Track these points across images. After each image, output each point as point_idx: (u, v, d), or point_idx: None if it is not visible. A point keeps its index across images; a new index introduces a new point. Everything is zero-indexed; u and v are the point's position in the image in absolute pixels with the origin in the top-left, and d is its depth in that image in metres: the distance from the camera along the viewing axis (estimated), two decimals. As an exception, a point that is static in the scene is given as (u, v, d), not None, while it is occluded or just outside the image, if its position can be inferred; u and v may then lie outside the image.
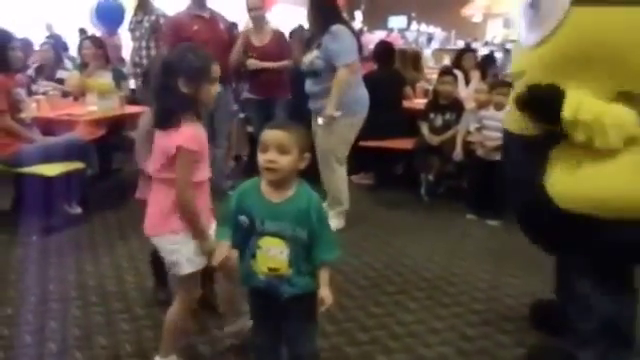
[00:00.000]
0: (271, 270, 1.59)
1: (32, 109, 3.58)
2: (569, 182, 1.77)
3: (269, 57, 4.17)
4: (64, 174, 3.37)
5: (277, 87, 4.25)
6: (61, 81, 4.74)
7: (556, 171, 1.80)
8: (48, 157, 3.35)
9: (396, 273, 3.00)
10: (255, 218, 1.58)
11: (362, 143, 4.46)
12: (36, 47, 5.61)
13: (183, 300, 1.91)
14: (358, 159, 4.86)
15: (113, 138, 4.34)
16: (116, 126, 4.26)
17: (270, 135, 1.54)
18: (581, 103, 1.66)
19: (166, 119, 1.79)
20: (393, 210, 4.08)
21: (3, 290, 2.65)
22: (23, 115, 3.37)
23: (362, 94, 3.54)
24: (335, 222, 3.54)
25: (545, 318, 2.38)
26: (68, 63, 5.23)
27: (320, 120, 3.45)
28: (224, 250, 1.61)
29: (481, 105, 4.00)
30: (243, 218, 1.58)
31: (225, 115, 4.13)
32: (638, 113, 1.67)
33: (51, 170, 3.30)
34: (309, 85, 3.55)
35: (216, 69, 1.84)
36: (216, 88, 1.85)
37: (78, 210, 3.65)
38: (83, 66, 4.35)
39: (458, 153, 4.04)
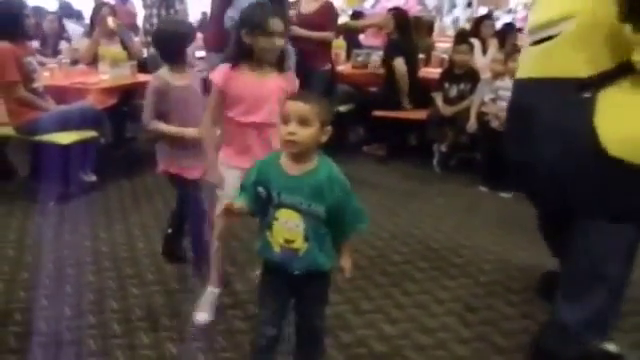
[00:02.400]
0: (287, 242, 1.58)
1: (44, 78, 3.59)
2: (619, 126, 1.73)
3: (311, 26, 4.08)
4: (78, 142, 3.42)
5: (314, 58, 4.12)
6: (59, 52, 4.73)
7: (605, 115, 1.75)
8: (62, 125, 3.39)
9: (403, 243, 3.01)
10: (272, 190, 1.56)
11: (375, 113, 4.46)
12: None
13: (216, 225, 2.17)
14: (371, 129, 4.86)
15: (126, 107, 4.37)
16: (128, 95, 4.28)
17: (292, 106, 1.52)
18: None
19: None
20: (404, 181, 4.07)
21: (20, 255, 2.73)
22: (36, 85, 3.39)
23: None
24: None
25: (553, 290, 2.38)
26: (76, 29, 5.21)
27: None
28: (234, 204, 1.62)
29: (497, 75, 3.92)
30: (261, 189, 1.59)
31: None
32: None
33: (65, 138, 3.35)
34: None
35: (274, 23, 1.94)
36: (274, 42, 1.95)
37: (93, 178, 3.70)
38: (92, 33, 4.36)
39: (472, 124, 3.99)
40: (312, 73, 4.18)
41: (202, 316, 2.17)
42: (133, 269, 2.62)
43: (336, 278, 1.70)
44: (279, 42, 1.97)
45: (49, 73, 3.93)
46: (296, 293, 1.67)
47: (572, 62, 1.84)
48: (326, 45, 4.23)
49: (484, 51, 4.91)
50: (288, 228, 1.57)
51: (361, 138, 5.03)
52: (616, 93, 1.75)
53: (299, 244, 1.57)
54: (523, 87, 2.09)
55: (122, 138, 4.66)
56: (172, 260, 2.66)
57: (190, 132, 2.32)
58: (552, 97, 1.92)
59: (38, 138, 3.40)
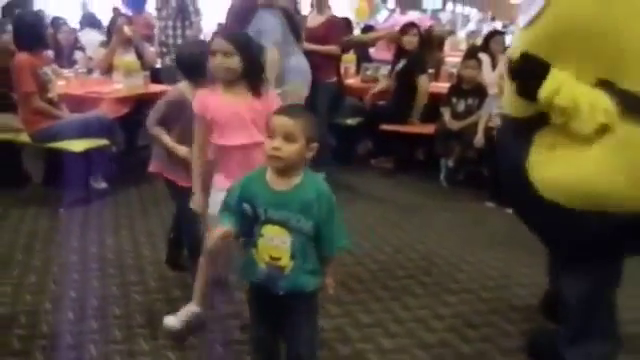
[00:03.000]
0: (272, 259, 1.55)
1: (60, 87, 3.67)
2: (546, 167, 1.78)
3: (316, 40, 4.15)
4: (90, 150, 3.50)
5: (319, 70, 4.15)
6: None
7: (537, 155, 1.80)
8: (76, 133, 3.47)
9: (406, 258, 3.01)
10: (258, 206, 1.55)
11: (383, 127, 4.49)
12: (73, 25, 5.73)
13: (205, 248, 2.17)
14: (378, 143, 4.88)
15: (138, 116, 4.45)
16: (141, 104, 4.35)
17: (277, 121, 1.51)
18: (562, 85, 1.66)
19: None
20: (410, 195, 4.08)
21: (29, 259, 2.79)
22: (50, 95, 3.47)
23: (297, 61, 3.70)
24: None
25: (554, 308, 2.37)
26: (93, 38, 5.31)
27: None
28: (220, 232, 1.57)
29: (503, 91, 3.92)
30: (246, 206, 1.57)
31: None
32: (617, 103, 1.63)
33: (78, 146, 3.43)
34: None
35: (216, 43, 2.00)
36: (215, 61, 1.97)
37: (103, 185, 3.77)
38: (109, 42, 4.47)
39: (479, 139, 3.99)
40: (318, 85, 4.25)
41: (171, 321, 2.15)
42: (137, 276, 2.66)
43: (327, 295, 1.68)
44: (221, 60, 1.95)
45: (65, 82, 4.03)
46: (282, 315, 1.63)
47: (513, 102, 1.89)
48: (331, 58, 4.28)
49: (494, 66, 4.91)
50: (274, 245, 1.54)
51: (369, 151, 5.05)
52: (550, 136, 1.78)
53: (285, 261, 1.54)
54: (500, 118, 2.21)
55: (134, 146, 4.74)
56: (175, 268, 2.69)
57: (183, 152, 2.32)
58: (505, 135, 2.04)
59: (52, 145, 3.48)
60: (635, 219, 1.67)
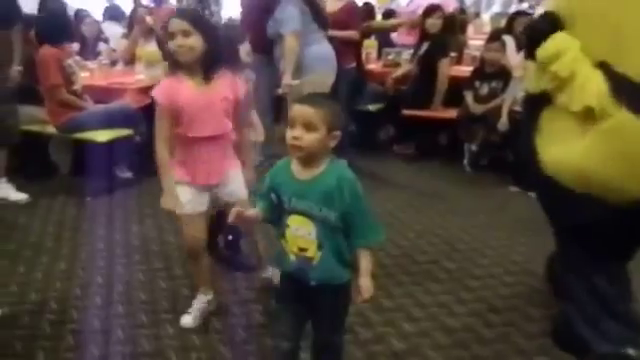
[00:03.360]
0: (301, 250, 1.54)
1: (85, 78, 3.73)
2: (549, 146, 1.76)
3: (335, 25, 4.09)
4: (114, 140, 3.56)
5: (338, 56, 4.10)
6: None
7: (544, 131, 1.78)
8: (101, 124, 3.53)
9: (429, 243, 3.00)
10: (283, 195, 1.54)
11: (405, 112, 4.44)
12: (97, 17, 5.80)
13: (184, 241, 2.17)
14: (400, 129, 4.84)
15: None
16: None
17: (297, 110, 1.48)
18: (564, 52, 1.62)
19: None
20: (433, 181, 4.04)
21: (58, 246, 2.87)
22: (75, 87, 3.54)
23: (320, 50, 3.60)
24: None
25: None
26: (116, 30, 5.37)
27: (280, 90, 3.55)
28: (248, 212, 1.60)
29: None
30: (273, 195, 1.57)
31: (261, 86, 4.11)
32: (612, 89, 1.58)
33: (103, 136, 3.50)
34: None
35: (171, 24, 1.91)
36: (175, 43, 1.90)
37: (128, 174, 3.85)
38: (130, 34, 4.52)
39: (504, 122, 3.93)
40: (337, 71, 4.21)
41: (187, 320, 2.17)
42: (162, 262, 2.71)
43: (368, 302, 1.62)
44: (182, 41, 1.89)
45: (89, 74, 4.10)
46: (312, 306, 1.62)
47: (529, 76, 1.89)
48: (350, 44, 4.22)
49: (519, 48, 4.80)
50: (300, 235, 1.53)
51: (391, 137, 5.01)
52: (554, 114, 1.74)
53: (312, 252, 1.53)
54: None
55: (157, 136, 4.80)
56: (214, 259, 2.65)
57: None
58: (522, 110, 2.07)
59: (77, 136, 3.55)
60: (630, 208, 1.62)
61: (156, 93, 1.96)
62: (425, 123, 4.45)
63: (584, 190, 1.68)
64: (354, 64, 4.30)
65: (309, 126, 1.46)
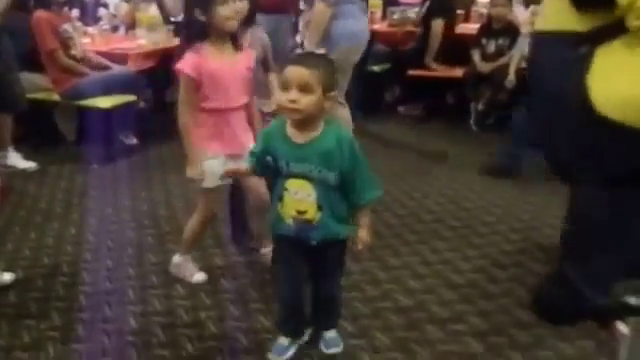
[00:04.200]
0: (300, 213, 1.54)
1: (82, 44, 3.68)
2: (610, 84, 1.66)
3: None
4: (118, 106, 3.55)
5: None
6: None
7: (599, 72, 1.68)
8: (103, 90, 3.52)
9: (435, 202, 3.00)
10: (279, 160, 1.53)
11: (411, 72, 4.38)
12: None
13: (200, 211, 2.15)
14: (406, 89, 4.78)
15: (165, 71, 4.46)
16: (166, 58, 4.36)
17: (291, 72, 1.44)
18: None
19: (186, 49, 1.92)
20: (439, 141, 4.02)
21: (68, 213, 2.91)
22: (73, 52, 3.51)
23: (349, 26, 3.22)
24: None
25: None
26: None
27: None
28: (243, 167, 1.64)
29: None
30: (269, 158, 1.56)
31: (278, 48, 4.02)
32: None
33: (106, 102, 3.49)
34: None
35: None
36: (230, 8, 1.85)
37: (134, 141, 3.85)
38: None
39: (511, 80, 3.88)
40: None
41: (199, 276, 2.23)
42: (171, 226, 2.74)
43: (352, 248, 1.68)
44: (240, 6, 1.87)
45: (90, 40, 4.06)
46: (312, 263, 1.64)
47: (569, 14, 1.74)
48: None
49: (526, 4, 4.68)
50: (299, 199, 1.53)
51: (397, 98, 4.96)
52: (613, 51, 1.65)
53: (312, 214, 1.53)
54: (532, 42, 2.02)
55: (162, 102, 4.78)
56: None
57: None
58: (549, 52, 1.85)
59: (80, 103, 3.55)
60: None
61: (184, 67, 1.89)
62: (431, 83, 4.39)
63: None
64: None
65: (305, 88, 1.43)
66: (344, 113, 3.42)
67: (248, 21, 2.21)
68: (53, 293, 2.18)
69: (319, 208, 1.52)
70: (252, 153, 1.66)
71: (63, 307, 2.08)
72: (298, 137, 1.51)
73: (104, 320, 2.01)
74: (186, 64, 1.89)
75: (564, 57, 1.79)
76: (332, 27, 3.18)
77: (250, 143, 2.09)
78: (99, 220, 2.81)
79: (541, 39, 1.94)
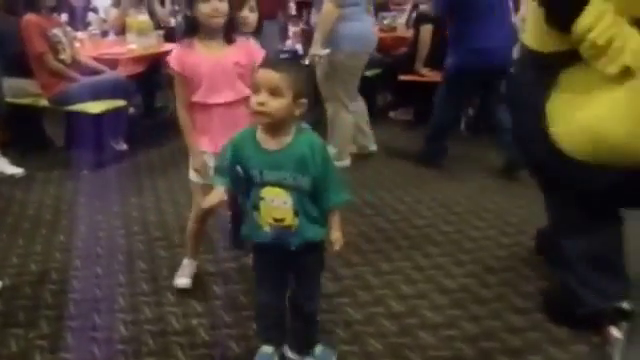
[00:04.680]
0: (277, 221, 1.52)
1: (72, 49, 3.65)
2: (565, 109, 1.71)
3: None
4: (108, 111, 3.53)
5: None
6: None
7: (558, 95, 1.73)
8: (93, 95, 3.49)
9: (427, 207, 3.01)
10: (252, 169, 1.50)
11: (401, 77, 4.39)
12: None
13: (193, 208, 2.19)
14: (397, 94, 4.80)
15: (155, 75, 4.45)
16: (156, 64, 4.35)
17: (262, 75, 1.43)
18: (599, 20, 1.56)
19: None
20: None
21: (57, 219, 2.88)
22: (62, 56, 3.48)
23: (346, 30, 3.24)
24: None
25: (548, 247, 2.35)
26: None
27: (306, 60, 3.33)
28: (218, 194, 1.56)
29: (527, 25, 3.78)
30: (239, 169, 1.52)
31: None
32: None
33: (95, 108, 3.46)
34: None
35: None
36: (211, 6, 1.85)
37: (124, 146, 3.83)
38: (119, 2, 4.43)
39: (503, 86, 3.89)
40: None
41: (183, 281, 2.21)
42: (161, 232, 2.72)
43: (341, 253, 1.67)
44: (220, 5, 1.86)
45: (79, 44, 4.03)
46: (292, 267, 1.64)
47: (539, 34, 1.78)
48: None
49: (516, 9, 4.72)
50: (276, 206, 1.51)
51: (388, 103, 4.97)
52: (574, 76, 1.69)
53: (290, 221, 1.52)
54: (520, 52, 2.10)
55: (152, 107, 4.76)
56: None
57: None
58: (524, 69, 1.92)
59: (70, 108, 3.52)
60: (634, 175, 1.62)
61: (170, 61, 1.95)
62: (422, 88, 4.40)
63: (597, 157, 1.66)
64: None
65: (274, 91, 1.42)
66: (347, 119, 3.45)
67: (257, 31, 2.26)
68: (41, 301, 2.15)
69: (296, 214, 1.52)
70: (219, 169, 1.60)
71: (52, 315, 2.05)
72: (270, 144, 1.50)
73: (93, 328, 1.98)
74: (172, 58, 1.95)
75: (532, 75, 1.84)
76: (336, 29, 3.21)
77: None
78: (88, 227, 2.78)
79: (521, 51, 2.00)
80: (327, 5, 3.14)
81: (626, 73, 1.58)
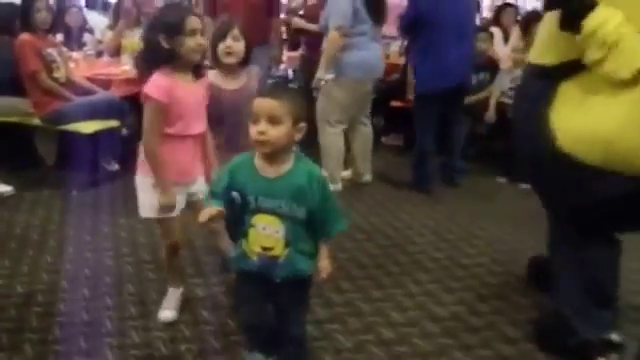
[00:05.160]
0: (265, 250, 1.50)
1: (67, 69, 3.66)
2: (569, 117, 1.73)
3: (311, 18, 4.08)
4: (101, 132, 3.52)
5: (314, 48, 4.15)
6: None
7: (561, 105, 1.76)
8: (87, 115, 3.48)
9: (417, 234, 3.02)
10: (248, 195, 1.48)
11: (393, 103, 4.45)
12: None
13: (164, 242, 2.15)
14: (389, 119, 4.85)
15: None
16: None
17: (260, 104, 1.42)
18: (609, 19, 1.59)
19: (146, 73, 1.90)
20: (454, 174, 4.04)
21: (44, 240, 2.84)
22: (56, 75, 3.48)
23: (357, 57, 3.36)
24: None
25: (541, 275, 2.36)
26: (101, 21, 5.30)
27: (313, 84, 3.44)
28: (213, 211, 1.50)
29: (517, 64, 3.86)
30: (235, 194, 1.50)
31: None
32: None
33: (88, 127, 3.45)
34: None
35: (192, 22, 1.84)
36: (196, 41, 1.85)
37: (115, 167, 3.81)
38: (115, 24, 4.46)
39: (491, 115, 3.97)
40: (312, 64, 4.20)
41: (166, 314, 2.15)
42: (150, 255, 2.69)
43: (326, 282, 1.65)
44: (203, 41, 1.88)
45: (74, 64, 4.03)
46: (275, 300, 1.60)
47: (543, 48, 1.86)
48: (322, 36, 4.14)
49: (506, 40, 4.83)
50: (267, 234, 1.49)
51: (380, 128, 5.01)
52: (576, 86, 1.74)
53: (279, 251, 1.49)
54: (525, 70, 2.15)
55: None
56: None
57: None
58: (527, 83, 1.97)
59: (62, 128, 3.50)
60: None
61: (153, 91, 1.84)
62: (411, 114, 4.44)
63: (604, 163, 1.67)
64: None
65: (274, 119, 1.41)
66: (339, 143, 3.53)
67: (245, 61, 2.26)
68: (26, 324, 2.10)
69: (286, 244, 1.49)
70: (214, 193, 1.56)
71: (36, 339, 2.01)
72: (268, 171, 1.48)
73: (79, 353, 1.94)
74: (156, 89, 1.84)
75: (534, 89, 1.88)
76: (341, 57, 3.34)
77: (200, 173, 2.08)
78: (76, 248, 2.74)
79: (525, 70, 2.05)
80: (332, 34, 3.25)
81: (633, 79, 1.60)
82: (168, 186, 1.93)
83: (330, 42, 3.27)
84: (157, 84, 1.85)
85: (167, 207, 1.94)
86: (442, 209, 3.37)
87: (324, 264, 1.57)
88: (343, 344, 2.02)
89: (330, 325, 2.12)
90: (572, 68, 1.73)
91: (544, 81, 1.83)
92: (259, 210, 1.48)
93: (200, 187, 2.07)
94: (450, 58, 3.34)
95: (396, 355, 1.96)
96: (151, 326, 2.11)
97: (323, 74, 3.34)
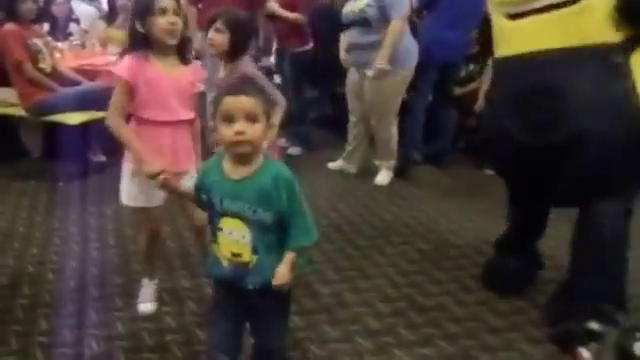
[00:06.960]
0: (234, 255, 1.41)
1: (53, 59, 3.62)
2: None
3: (286, 5, 4.07)
4: (87, 123, 3.49)
5: (286, 38, 4.13)
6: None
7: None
8: (72, 106, 3.45)
9: (405, 225, 3.03)
10: (214, 197, 1.41)
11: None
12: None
13: (144, 230, 2.14)
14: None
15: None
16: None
17: (234, 103, 1.32)
18: None
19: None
20: (409, 164, 4.06)
21: (30, 232, 2.82)
22: (42, 65, 3.44)
23: (412, 44, 3.47)
24: (385, 176, 3.64)
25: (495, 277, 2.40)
26: (87, 10, 5.23)
27: (370, 73, 3.40)
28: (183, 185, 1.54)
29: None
30: (204, 196, 1.44)
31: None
32: None
33: (74, 118, 3.42)
34: (355, 36, 3.46)
35: (161, 1, 1.81)
36: (170, 20, 1.82)
37: (102, 158, 3.79)
38: (111, 17, 4.41)
39: (480, 105, 3.96)
40: (283, 54, 4.19)
41: (146, 307, 2.15)
42: (136, 246, 2.67)
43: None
44: (176, 20, 1.83)
45: (59, 55, 3.99)
46: (251, 311, 1.49)
47: (601, 27, 1.81)
48: (298, 26, 4.07)
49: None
50: (234, 240, 1.40)
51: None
52: None
53: (247, 257, 1.40)
54: (543, 62, 1.92)
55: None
56: None
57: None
58: (584, 66, 1.85)
59: (47, 119, 3.47)
60: None
61: (120, 69, 1.84)
62: (401, 106, 4.45)
63: None
64: (305, 47, 4.15)
65: (251, 117, 1.33)
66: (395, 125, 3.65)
67: (229, 55, 2.22)
68: (12, 316, 2.09)
69: (254, 251, 1.40)
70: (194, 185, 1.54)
71: (22, 331, 2.00)
72: (234, 173, 1.40)
73: (65, 344, 1.93)
74: (122, 67, 1.85)
75: (602, 69, 1.82)
76: (403, 45, 3.38)
77: (191, 163, 2.03)
78: (63, 239, 2.73)
79: (564, 56, 1.88)
80: (397, 22, 3.28)
81: None
82: (142, 155, 1.85)
83: (397, 31, 3.29)
84: (125, 64, 1.84)
85: (152, 175, 1.75)
86: (430, 201, 3.38)
87: (281, 270, 1.40)
88: (329, 334, 2.03)
89: (316, 315, 2.14)
90: (636, 42, 1.78)
91: (612, 59, 1.80)
92: (225, 214, 1.41)
93: (190, 180, 2.04)
94: (454, 36, 3.54)
95: (382, 345, 1.98)
96: (137, 317, 2.11)
97: (385, 64, 3.31)
